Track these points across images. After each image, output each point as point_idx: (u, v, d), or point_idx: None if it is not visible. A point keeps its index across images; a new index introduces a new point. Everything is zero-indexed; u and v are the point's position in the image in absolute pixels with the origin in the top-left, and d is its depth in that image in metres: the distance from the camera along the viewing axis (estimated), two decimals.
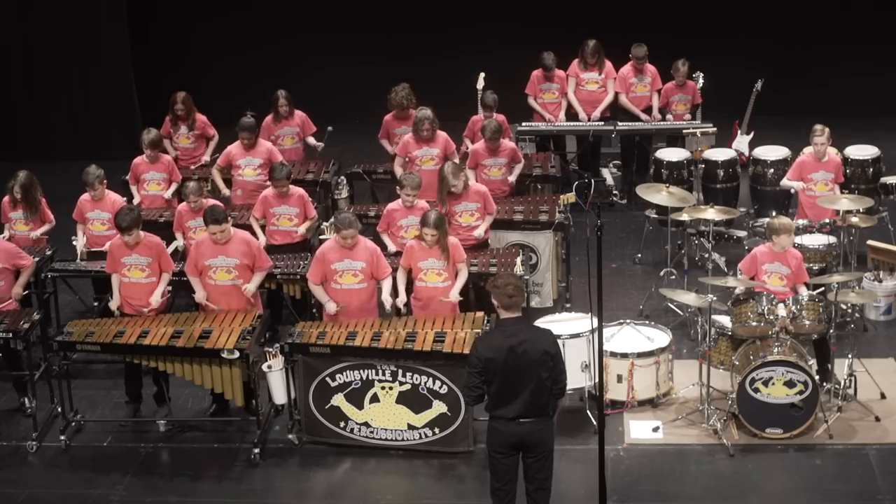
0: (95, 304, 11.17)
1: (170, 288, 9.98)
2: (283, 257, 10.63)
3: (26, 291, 10.06)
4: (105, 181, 11.00)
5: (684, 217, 10.96)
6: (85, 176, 10.88)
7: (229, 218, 9.74)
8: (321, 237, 10.76)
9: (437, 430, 9.29)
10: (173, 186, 11.80)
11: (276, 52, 16.39)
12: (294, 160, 12.53)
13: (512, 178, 11.83)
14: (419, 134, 11.68)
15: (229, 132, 12.57)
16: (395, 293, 9.70)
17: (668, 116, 13.71)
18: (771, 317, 9.40)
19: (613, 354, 9.63)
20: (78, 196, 11.24)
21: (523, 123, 13.63)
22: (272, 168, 11.05)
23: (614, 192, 13.97)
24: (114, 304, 9.81)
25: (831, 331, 9.56)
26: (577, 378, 9.47)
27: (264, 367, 9.34)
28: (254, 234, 10.90)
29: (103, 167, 11.11)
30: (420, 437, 9.33)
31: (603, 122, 13.63)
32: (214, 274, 9.61)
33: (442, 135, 11.84)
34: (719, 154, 12.94)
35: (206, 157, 12.72)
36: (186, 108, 12.65)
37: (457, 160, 11.78)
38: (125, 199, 11.41)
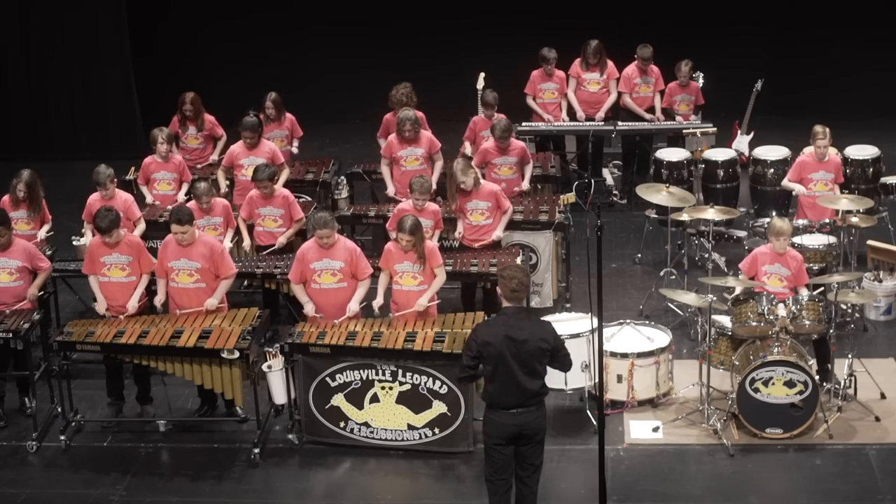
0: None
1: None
2: (283, 257, 10.65)
3: (42, 293, 10.05)
4: (115, 180, 11.02)
5: (684, 217, 10.96)
6: (96, 176, 10.86)
7: (195, 222, 9.71)
8: None
9: (436, 431, 9.29)
10: (184, 187, 11.81)
11: (278, 53, 16.38)
12: (285, 161, 12.49)
13: (525, 185, 11.82)
14: (402, 134, 11.70)
15: (230, 132, 12.61)
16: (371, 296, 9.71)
17: (678, 118, 13.72)
18: (771, 317, 9.40)
19: (613, 354, 9.64)
20: (77, 196, 11.24)
21: (523, 123, 13.63)
22: (255, 168, 11.05)
23: (614, 192, 13.98)
24: (101, 307, 9.73)
25: (831, 331, 9.56)
26: (577, 378, 9.48)
27: (264, 367, 9.35)
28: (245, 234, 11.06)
29: None
30: (420, 437, 9.34)
31: (603, 123, 13.64)
32: (177, 276, 9.60)
33: (426, 134, 11.86)
34: (719, 154, 12.94)
35: (215, 157, 12.73)
36: (195, 108, 12.66)
37: (440, 159, 11.80)
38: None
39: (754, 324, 9.47)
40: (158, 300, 9.67)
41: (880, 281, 11.03)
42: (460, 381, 8.37)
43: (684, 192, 11.04)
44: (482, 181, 11.03)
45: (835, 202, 10.66)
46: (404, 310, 9.57)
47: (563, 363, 7.88)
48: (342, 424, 9.41)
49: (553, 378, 8.92)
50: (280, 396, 9.46)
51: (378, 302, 9.64)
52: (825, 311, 9.50)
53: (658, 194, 10.93)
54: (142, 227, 11.02)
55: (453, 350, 9.01)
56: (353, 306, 9.55)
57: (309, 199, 11.92)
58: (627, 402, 9.69)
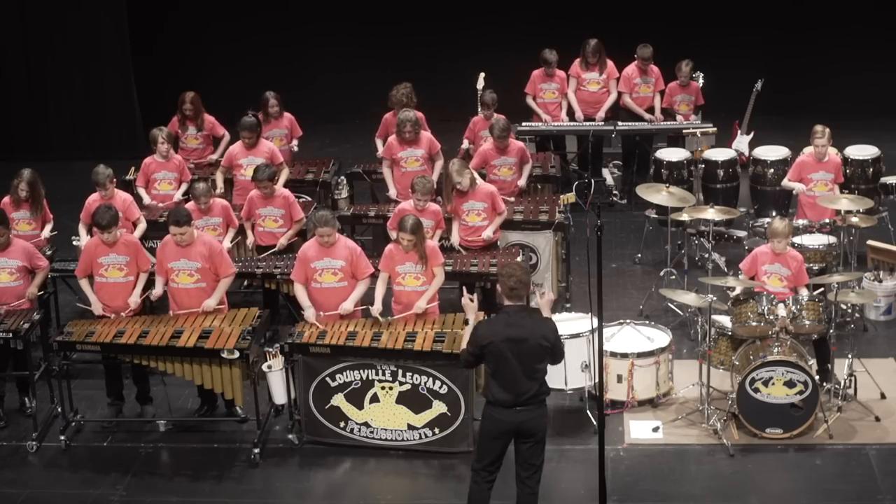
0: None
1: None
2: (283, 257, 10.65)
3: (41, 292, 10.06)
4: (115, 180, 11.02)
5: (684, 217, 10.96)
6: (95, 176, 10.85)
7: (194, 223, 9.72)
8: None
9: (436, 431, 9.29)
10: (183, 186, 11.81)
11: (278, 53, 16.39)
12: (283, 161, 12.49)
13: (522, 182, 11.84)
14: (402, 135, 11.71)
15: (230, 132, 12.60)
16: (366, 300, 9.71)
17: (678, 118, 13.72)
18: (771, 317, 9.40)
19: (613, 354, 9.64)
20: (77, 196, 11.22)
21: (523, 123, 13.63)
22: (255, 169, 11.04)
23: (614, 192, 13.98)
24: (97, 309, 9.71)
25: (831, 331, 9.56)
26: (577, 378, 9.48)
27: (264, 367, 9.35)
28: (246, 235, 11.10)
29: None
30: (420, 437, 9.34)
31: (603, 122, 13.64)
32: (177, 277, 9.59)
33: (426, 135, 11.87)
34: (719, 154, 12.94)
35: (214, 156, 12.72)
36: (195, 108, 12.65)
37: (440, 160, 11.80)
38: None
39: (754, 324, 9.47)
40: (155, 294, 9.66)
41: (880, 281, 11.03)
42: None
43: (684, 192, 11.04)
44: (479, 182, 11.03)
45: (835, 202, 10.66)
46: (406, 311, 9.56)
47: (556, 357, 7.93)
48: (342, 424, 9.41)
49: (553, 378, 8.93)
50: (280, 396, 9.46)
51: (377, 308, 9.59)
52: (825, 311, 9.50)
53: (658, 194, 10.93)
54: (142, 227, 11.01)
55: (453, 350, 9.01)
56: (347, 305, 9.53)
57: (309, 199, 11.92)
58: (627, 402, 9.69)
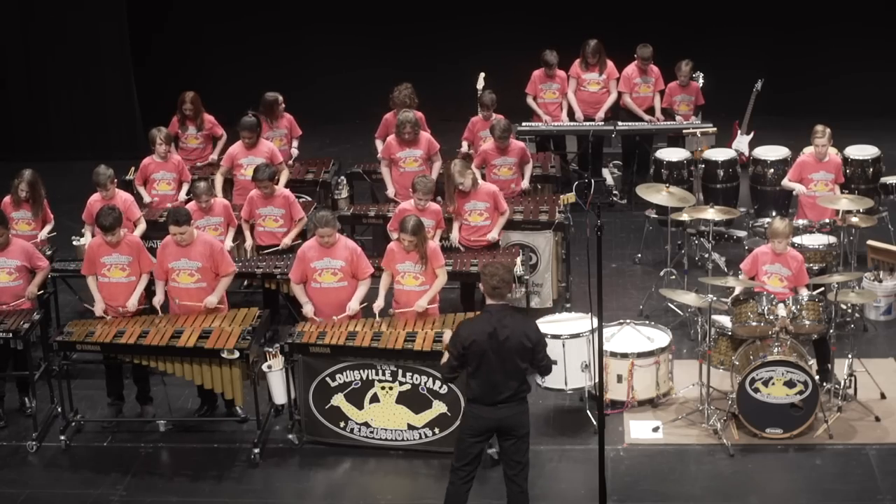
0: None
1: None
2: (283, 257, 10.65)
3: (41, 292, 10.06)
4: (115, 180, 11.02)
5: (684, 217, 10.96)
6: (96, 177, 10.86)
7: (195, 222, 9.71)
8: None
9: (436, 430, 9.29)
10: (185, 187, 11.81)
11: (278, 53, 16.40)
12: (283, 161, 12.49)
13: (525, 184, 11.85)
14: (401, 136, 11.71)
15: (230, 132, 12.60)
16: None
17: (678, 118, 13.71)
18: (771, 317, 9.40)
19: (613, 354, 9.63)
20: (77, 196, 11.22)
21: (523, 123, 13.64)
22: (255, 168, 11.05)
23: (614, 192, 13.98)
24: (99, 308, 9.72)
25: (831, 331, 9.56)
26: (577, 378, 9.47)
27: (264, 367, 9.35)
28: (246, 235, 11.08)
29: None
30: (420, 437, 9.34)
31: (603, 123, 13.64)
32: (178, 277, 9.59)
33: (424, 136, 11.88)
34: (719, 154, 12.94)
35: (215, 156, 12.72)
36: (195, 107, 12.65)
37: (438, 160, 11.81)
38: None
39: (754, 324, 9.47)
40: (157, 301, 9.67)
41: (880, 281, 11.03)
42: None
43: (684, 192, 11.04)
44: (480, 181, 11.03)
45: (835, 202, 10.67)
46: (407, 310, 9.56)
47: (541, 368, 7.86)
48: (342, 424, 9.41)
49: (553, 378, 8.95)
50: (280, 396, 9.46)
51: (379, 304, 9.62)
52: (825, 311, 9.50)
53: (658, 194, 10.93)
54: (142, 227, 11.02)
55: None
56: (354, 305, 9.56)
57: (309, 199, 11.93)
58: (627, 402, 9.69)
